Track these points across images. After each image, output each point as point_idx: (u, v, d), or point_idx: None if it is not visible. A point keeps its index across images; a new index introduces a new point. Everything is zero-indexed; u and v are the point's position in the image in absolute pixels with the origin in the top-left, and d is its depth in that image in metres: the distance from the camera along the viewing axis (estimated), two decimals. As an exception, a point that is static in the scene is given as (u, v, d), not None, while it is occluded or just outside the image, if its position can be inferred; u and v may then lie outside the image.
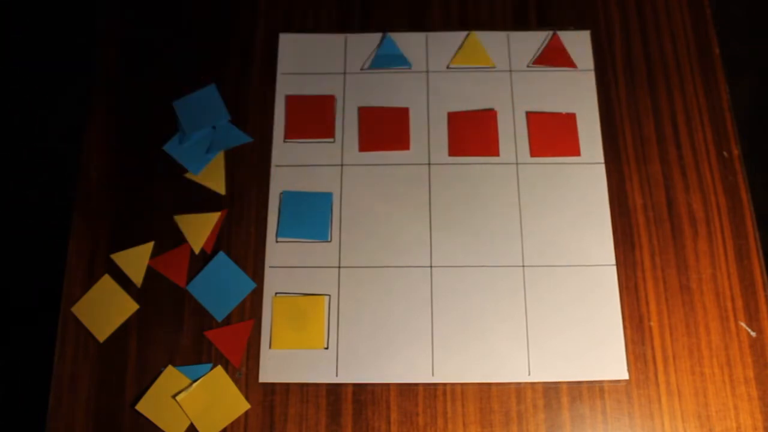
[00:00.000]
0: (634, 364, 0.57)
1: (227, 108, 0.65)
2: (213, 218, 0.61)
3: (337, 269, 0.60)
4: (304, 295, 0.59)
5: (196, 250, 0.60)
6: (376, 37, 0.68)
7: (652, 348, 0.58)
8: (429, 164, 0.63)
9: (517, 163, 0.63)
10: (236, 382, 0.57)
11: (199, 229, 0.61)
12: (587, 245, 0.61)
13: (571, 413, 0.56)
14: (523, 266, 0.60)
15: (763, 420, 0.56)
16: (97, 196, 0.63)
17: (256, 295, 0.59)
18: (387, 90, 0.66)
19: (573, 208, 0.62)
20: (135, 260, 0.60)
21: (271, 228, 0.61)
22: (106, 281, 0.60)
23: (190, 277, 0.60)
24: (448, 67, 0.67)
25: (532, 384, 0.57)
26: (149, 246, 0.60)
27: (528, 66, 0.67)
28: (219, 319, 0.58)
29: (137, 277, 0.60)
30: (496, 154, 0.64)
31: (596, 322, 0.58)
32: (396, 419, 0.56)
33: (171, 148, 0.64)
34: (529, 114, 0.65)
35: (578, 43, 0.68)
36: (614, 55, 0.67)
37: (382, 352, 0.57)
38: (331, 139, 0.64)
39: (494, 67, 0.67)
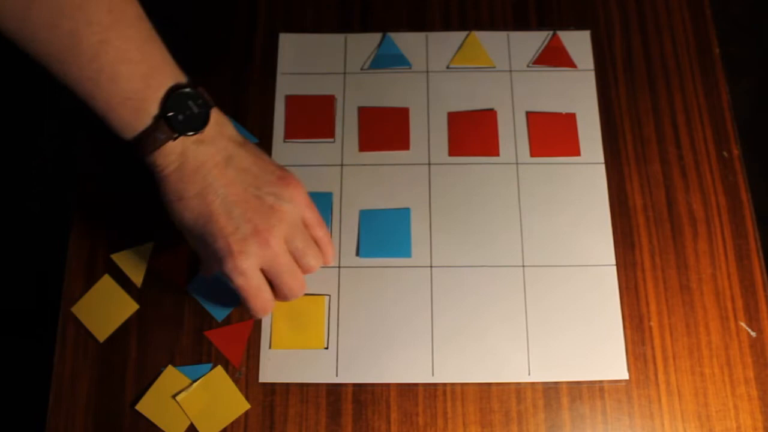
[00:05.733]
0: (634, 364, 0.57)
1: (227, 108, 0.65)
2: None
3: (337, 269, 0.60)
4: (304, 295, 0.59)
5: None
6: (376, 37, 0.68)
7: (652, 348, 0.58)
8: (429, 164, 0.63)
9: (517, 163, 0.63)
10: (236, 382, 0.57)
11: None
12: (587, 245, 0.61)
13: (571, 413, 0.56)
14: (523, 266, 0.60)
15: (763, 420, 0.56)
16: (97, 196, 0.63)
17: (256, 295, 0.59)
18: (387, 90, 0.66)
19: (573, 208, 0.62)
20: (135, 260, 0.60)
21: (271, 228, 0.61)
22: (106, 281, 0.59)
23: (191, 277, 0.60)
24: (448, 67, 0.67)
25: (532, 384, 0.57)
26: (149, 246, 0.60)
27: (528, 66, 0.67)
28: (219, 319, 0.58)
29: (137, 277, 0.60)
30: (496, 154, 0.64)
31: (596, 322, 0.58)
32: (396, 419, 0.56)
33: None
34: (529, 114, 0.65)
35: (578, 43, 0.68)
36: (614, 55, 0.67)
37: (382, 352, 0.57)
38: (331, 139, 0.64)
39: (494, 67, 0.67)
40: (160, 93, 0.48)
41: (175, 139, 0.48)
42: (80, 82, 0.46)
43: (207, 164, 0.49)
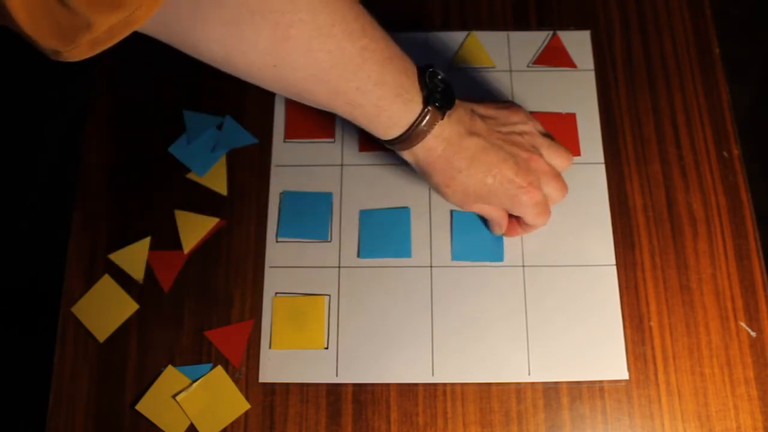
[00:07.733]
0: (634, 364, 0.57)
1: (227, 108, 0.65)
2: (210, 223, 0.61)
3: (337, 269, 0.60)
4: (304, 295, 0.59)
5: (186, 250, 0.60)
6: (376, 37, 0.68)
7: (652, 348, 0.58)
8: (429, 164, 0.63)
9: (517, 163, 0.63)
10: (236, 382, 0.57)
11: (195, 229, 0.61)
12: (587, 245, 0.61)
13: (571, 413, 0.56)
14: (523, 266, 0.60)
15: (763, 420, 0.56)
16: (97, 196, 0.63)
17: (256, 295, 0.59)
18: (387, 90, 0.66)
19: (573, 208, 0.62)
20: (134, 257, 0.60)
21: (271, 228, 0.61)
22: (106, 281, 0.59)
23: (177, 282, 0.59)
24: (448, 67, 0.67)
25: (532, 384, 0.57)
26: (146, 241, 0.60)
27: (528, 66, 0.67)
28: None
29: (138, 273, 0.59)
30: (496, 154, 0.64)
31: (596, 322, 0.58)
32: (396, 419, 0.56)
33: (176, 149, 0.63)
34: (529, 114, 0.65)
35: (578, 43, 0.68)
36: (614, 55, 0.67)
37: (382, 352, 0.57)
38: (331, 139, 0.64)
39: (494, 67, 0.67)
40: (416, 79, 0.48)
41: (443, 117, 0.49)
42: (344, 95, 0.46)
43: (466, 126, 0.51)
